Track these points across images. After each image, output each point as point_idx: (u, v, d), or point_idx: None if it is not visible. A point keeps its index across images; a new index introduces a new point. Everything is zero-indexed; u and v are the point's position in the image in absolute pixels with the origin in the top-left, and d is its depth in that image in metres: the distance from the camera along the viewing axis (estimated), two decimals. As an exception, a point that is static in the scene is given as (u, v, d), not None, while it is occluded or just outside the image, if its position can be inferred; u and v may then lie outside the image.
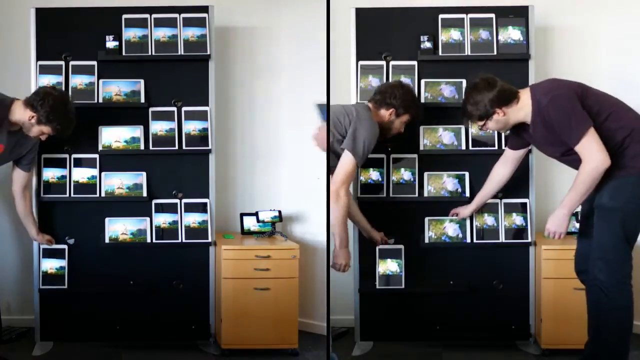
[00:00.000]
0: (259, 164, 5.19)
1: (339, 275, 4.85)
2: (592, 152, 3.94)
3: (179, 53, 4.77)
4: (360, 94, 4.76)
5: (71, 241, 4.77)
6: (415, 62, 4.76)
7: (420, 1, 4.87)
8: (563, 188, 5.08)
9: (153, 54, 4.77)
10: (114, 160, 4.79)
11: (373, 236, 4.69)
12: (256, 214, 4.96)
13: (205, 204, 4.79)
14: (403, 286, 4.76)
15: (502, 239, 4.74)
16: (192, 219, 4.79)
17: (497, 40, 4.74)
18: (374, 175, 4.77)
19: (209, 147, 4.77)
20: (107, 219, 4.75)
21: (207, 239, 4.77)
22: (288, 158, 5.16)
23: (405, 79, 4.74)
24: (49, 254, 4.75)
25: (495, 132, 4.73)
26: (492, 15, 4.75)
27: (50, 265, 4.74)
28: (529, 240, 4.73)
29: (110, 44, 4.75)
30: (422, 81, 4.76)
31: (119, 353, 4.75)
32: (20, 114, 4.34)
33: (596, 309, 4.03)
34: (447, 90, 4.75)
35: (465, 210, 4.68)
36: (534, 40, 4.73)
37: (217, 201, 4.86)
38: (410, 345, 4.86)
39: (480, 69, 4.72)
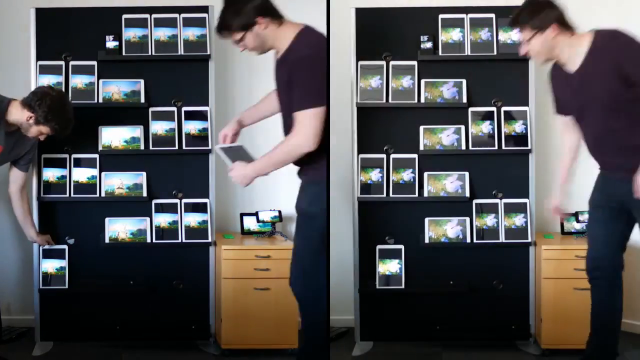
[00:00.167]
0: (259, 164, 5.19)
1: (339, 275, 4.86)
2: (307, 127, 3.55)
3: (179, 53, 4.77)
4: (360, 94, 4.76)
5: (71, 241, 4.77)
6: (415, 62, 4.77)
7: (420, 1, 4.87)
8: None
9: (153, 54, 4.77)
10: (114, 160, 4.79)
11: None
12: (256, 214, 4.96)
13: (205, 204, 4.79)
14: (403, 286, 4.76)
15: (502, 239, 4.74)
16: (192, 219, 4.79)
17: (497, 40, 4.74)
18: (373, 175, 4.77)
19: (209, 147, 4.77)
20: (107, 219, 4.75)
21: (207, 239, 4.77)
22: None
23: (404, 79, 4.75)
24: (49, 254, 4.74)
25: (496, 132, 4.72)
26: (492, 15, 4.75)
27: (50, 265, 4.74)
28: (529, 240, 4.73)
29: (110, 44, 4.75)
30: (422, 81, 4.76)
31: (119, 353, 4.76)
32: (18, 114, 4.34)
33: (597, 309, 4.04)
34: (447, 90, 4.75)
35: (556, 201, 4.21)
36: (534, 40, 4.72)
37: (217, 201, 4.86)
38: (410, 345, 4.87)
39: (480, 69, 4.75)
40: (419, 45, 4.76)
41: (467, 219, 4.76)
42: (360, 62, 4.77)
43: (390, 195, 4.76)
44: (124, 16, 4.77)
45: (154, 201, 4.79)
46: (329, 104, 4.73)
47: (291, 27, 3.79)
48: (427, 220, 4.76)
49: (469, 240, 4.75)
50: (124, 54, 4.76)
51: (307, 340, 3.92)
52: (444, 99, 4.75)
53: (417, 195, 4.76)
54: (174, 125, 4.78)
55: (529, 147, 4.72)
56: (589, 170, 5.12)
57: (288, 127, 3.72)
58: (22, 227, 4.70)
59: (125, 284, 4.79)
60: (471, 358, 4.72)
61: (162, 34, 4.78)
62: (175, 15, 4.78)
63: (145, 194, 4.76)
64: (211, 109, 4.80)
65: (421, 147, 4.76)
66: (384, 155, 4.78)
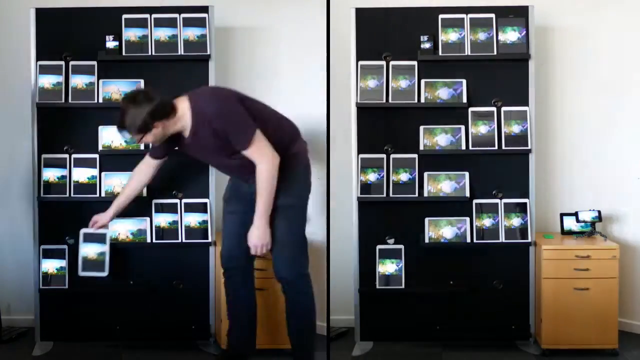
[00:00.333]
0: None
1: (339, 275, 4.86)
2: (262, 152, 4.07)
3: (179, 53, 4.77)
4: (360, 94, 4.76)
5: (71, 241, 4.77)
6: (415, 62, 4.77)
7: (420, 1, 4.87)
8: (563, 188, 5.11)
9: (153, 54, 4.77)
10: (114, 160, 4.78)
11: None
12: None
13: (205, 204, 4.79)
14: (403, 286, 4.76)
15: (502, 239, 4.74)
16: (192, 219, 4.79)
17: (497, 40, 4.74)
18: (373, 175, 4.77)
19: (209, 147, 4.77)
20: (107, 219, 4.75)
21: (207, 239, 4.77)
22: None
23: (404, 79, 4.75)
24: (49, 254, 4.74)
25: (496, 132, 4.73)
26: (492, 15, 4.75)
27: (51, 265, 4.74)
28: (529, 240, 4.73)
29: (110, 44, 4.75)
30: (422, 81, 4.76)
31: (119, 353, 4.76)
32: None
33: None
34: (447, 90, 4.75)
35: (104, 217, 4.52)
36: (534, 40, 4.73)
37: (218, 201, 4.85)
38: (410, 345, 4.87)
39: (480, 69, 4.75)
40: (419, 45, 4.76)
41: (467, 219, 4.75)
42: (360, 62, 4.77)
43: (390, 195, 4.76)
44: (124, 16, 4.77)
45: (154, 201, 4.79)
46: (329, 104, 4.75)
47: (182, 106, 4.10)
48: (427, 220, 4.76)
49: (469, 240, 4.75)
50: (124, 54, 4.76)
51: (300, 329, 4.29)
52: (444, 99, 4.75)
53: (417, 195, 4.76)
54: (174, 125, 4.77)
55: (529, 147, 4.72)
56: (589, 170, 5.14)
57: (224, 168, 4.34)
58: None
59: (125, 284, 4.79)
60: (471, 358, 4.72)
61: (162, 34, 4.78)
62: (175, 15, 4.78)
63: (145, 194, 4.76)
64: (211, 109, 4.79)
65: (421, 147, 4.76)
66: (384, 155, 4.78)
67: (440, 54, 4.76)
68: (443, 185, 4.75)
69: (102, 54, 4.76)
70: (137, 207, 4.75)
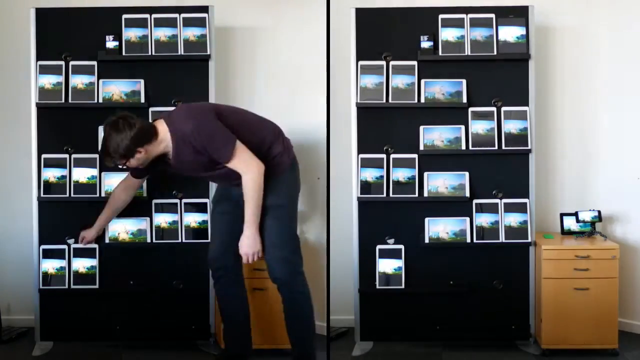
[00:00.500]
0: (259, 164, 5.18)
1: (339, 275, 4.86)
2: (246, 163, 4.11)
3: (179, 53, 4.77)
4: (360, 94, 4.76)
5: (71, 241, 4.77)
6: (415, 62, 4.77)
7: (420, 1, 4.87)
8: (563, 188, 5.12)
9: (153, 54, 4.77)
10: (114, 160, 4.78)
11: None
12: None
13: (205, 203, 4.78)
14: (403, 286, 4.76)
15: (502, 239, 4.74)
16: (192, 219, 4.79)
17: (497, 40, 4.74)
18: (373, 175, 4.77)
19: (209, 147, 4.77)
20: (107, 219, 4.76)
21: (207, 239, 4.76)
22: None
23: (404, 79, 4.75)
24: (49, 254, 4.74)
25: (496, 132, 4.73)
26: (492, 15, 4.75)
27: (50, 265, 4.74)
28: (529, 240, 4.73)
29: (110, 44, 4.75)
30: (422, 81, 4.76)
31: (119, 353, 4.76)
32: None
33: None
34: (447, 90, 4.75)
35: (90, 233, 4.63)
36: (534, 40, 4.73)
37: (217, 201, 4.86)
38: (410, 345, 4.87)
39: (480, 69, 4.75)
40: (419, 45, 4.76)
41: (467, 219, 4.76)
42: (360, 62, 4.77)
43: (390, 195, 4.76)
44: (124, 16, 4.77)
45: (154, 201, 4.79)
46: (329, 104, 4.75)
47: (161, 129, 4.15)
48: (427, 220, 4.76)
49: (469, 240, 4.75)
50: (124, 54, 4.76)
51: (300, 325, 4.32)
52: (444, 99, 4.75)
53: (417, 195, 4.76)
54: (174, 125, 4.77)
55: (529, 147, 4.72)
56: (589, 170, 5.14)
57: (213, 178, 4.40)
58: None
59: (125, 284, 4.79)
60: (471, 358, 4.72)
61: (162, 34, 4.78)
62: (175, 15, 4.78)
63: (145, 194, 4.76)
64: (211, 109, 4.79)
65: (421, 147, 4.76)
66: (384, 155, 4.78)
67: (440, 53, 4.76)
68: (446, 182, 4.74)
69: (102, 54, 4.76)
70: (137, 207, 4.76)
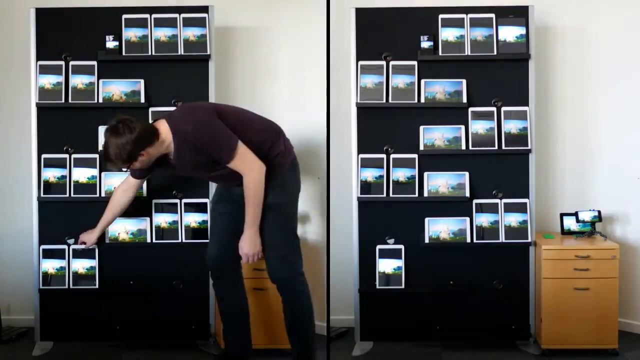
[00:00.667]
0: (259, 164, 5.18)
1: (339, 275, 4.86)
2: (247, 163, 4.09)
3: (179, 53, 4.77)
4: (360, 94, 4.76)
5: (71, 241, 4.77)
6: (415, 62, 4.77)
7: (420, 1, 4.88)
8: (563, 188, 5.12)
9: (153, 54, 4.77)
10: (114, 160, 4.78)
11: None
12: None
13: (205, 203, 4.78)
14: (403, 286, 4.76)
15: (502, 239, 4.74)
16: (192, 219, 4.79)
17: (497, 40, 4.74)
18: (373, 175, 4.77)
19: (209, 147, 4.77)
20: (107, 219, 4.76)
21: (207, 239, 4.77)
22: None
23: (404, 79, 4.75)
24: (49, 254, 4.75)
25: (496, 132, 4.73)
26: (492, 15, 4.75)
27: (50, 265, 4.74)
28: (529, 240, 4.73)
29: (110, 44, 4.75)
30: (422, 81, 4.76)
31: (119, 353, 4.76)
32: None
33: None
34: (447, 90, 4.75)
35: (91, 236, 4.64)
36: (534, 40, 4.73)
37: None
38: (410, 345, 4.87)
39: (480, 69, 4.75)
40: (419, 45, 4.76)
41: (467, 219, 4.76)
42: (360, 62, 4.77)
43: (390, 195, 4.76)
44: (124, 16, 4.77)
45: (154, 201, 4.79)
46: (329, 104, 4.75)
47: (163, 129, 4.12)
48: (427, 220, 4.76)
49: (469, 240, 4.75)
50: (124, 54, 4.76)
51: (300, 328, 4.33)
52: (444, 99, 4.75)
53: (417, 195, 4.76)
54: (174, 125, 4.78)
55: (529, 147, 4.72)
56: (589, 170, 5.14)
57: (215, 179, 4.36)
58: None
59: (125, 284, 4.79)
60: (471, 358, 4.72)
61: (162, 34, 4.78)
62: (175, 15, 4.78)
63: (146, 194, 4.76)
64: (211, 109, 4.79)
65: (421, 147, 4.76)
66: (384, 155, 4.78)
67: (440, 53, 4.76)
68: (446, 182, 4.74)
69: (102, 54, 4.76)
70: (137, 207, 4.76)
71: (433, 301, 4.79)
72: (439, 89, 4.76)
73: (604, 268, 4.62)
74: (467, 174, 4.76)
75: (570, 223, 4.92)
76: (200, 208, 4.79)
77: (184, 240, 4.78)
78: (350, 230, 4.80)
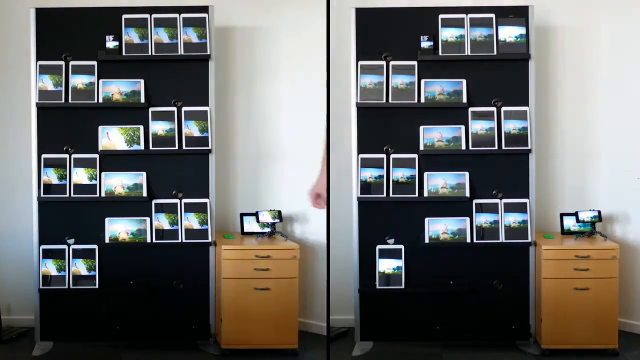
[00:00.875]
0: (259, 164, 5.19)
1: (339, 275, 4.86)
2: None
3: (179, 53, 4.77)
4: (360, 94, 4.76)
5: (71, 241, 4.77)
6: (415, 62, 4.77)
7: (420, 1, 4.87)
8: (563, 188, 5.12)
9: (153, 54, 4.77)
10: (114, 160, 4.78)
11: None
12: (256, 214, 4.96)
13: (205, 203, 4.79)
14: (403, 286, 4.76)
15: (502, 239, 4.74)
16: (193, 219, 4.79)
17: (497, 40, 4.74)
18: (373, 175, 4.77)
19: (209, 147, 4.78)
20: (107, 219, 4.76)
21: (207, 239, 4.77)
22: (288, 158, 5.15)
23: (404, 79, 4.75)
24: (49, 254, 4.74)
25: (496, 132, 4.73)
26: (492, 15, 4.75)
27: (51, 265, 4.74)
28: (529, 240, 4.73)
29: (110, 44, 4.75)
30: (422, 81, 4.76)
31: (119, 353, 4.76)
32: None
33: None
34: (447, 90, 4.75)
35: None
36: (534, 40, 4.73)
37: (217, 201, 4.86)
38: (410, 345, 4.86)
39: (480, 69, 4.75)
40: (419, 45, 4.76)
41: (467, 219, 4.76)
42: (360, 62, 4.77)
43: (390, 195, 4.76)
44: (124, 16, 4.77)
45: (154, 201, 4.79)
46: (329, 104, 4.75)
47: None
48: (427, 220, 4.76)
49: (469, 240, 4.75)
50: (124, 54, 4.76)
51: None
52: (444, 99, 4.75)
53: (417, 195, 4.76)
54: (173, 125, 4.78)
55: (529, 147, 4.72)
56: (589, 170, 5.14)
57: None
58: None
59: (125, 284, 4.79)
60: (471, 358, 4.72)
61: (162, 34, 4.77)
62: (175, 15, 4.78)
63: (145, 194, 4.77)
64: (211, 109, 4.80)
65: (421, 147, 4.76)
66: (384, 155, 4.78)
67: (440, 53, 4.76)
68: (446, 182, 4.74)
69: (102, 54, 4.76)
70: (137, 207, 4.76)
71: (433, 301, 4.79)
72: (438, 89, 4.76)
73: (604, 268, 4.62)
74: (467, 174, 4.76)
75: (570, 223, 4.92)
76: (200, 208, 4.79)
77: (184, 240, 4.78)
78: (350, 230, 4.80)
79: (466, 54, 4.75)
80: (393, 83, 4.77)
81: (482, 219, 4.75)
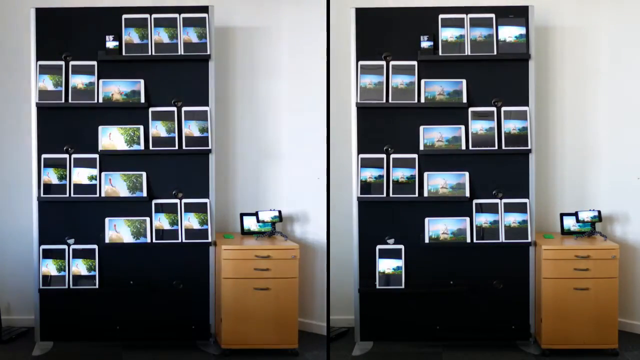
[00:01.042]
0: (259, 164, 5.19)
1: (339, 275, 4.86)
2: None
3: (179, 53, 4.77)
4: (360, 94, 4.76)
5: (71, 241, 4.77)
6: (415, 62, 4.77)
7: (420, 1, 4.88)
8: (563, 188, 5.12)
9: (153, 54, 4.77)
10: (114, 160, 4.78)
11: None
12: (256, 214, 4.96)
13: (205, 204, 4.79)
14: (403, 286, 4.76)
15: (502, 239, 4.74)
16: (193, 219, 4.79)
17: (497, 40, 4.74)
18: (373, 175, 4.77)
19: (209, 147, 4.78)
20: (107, 219, 4.76)
21: (207, 239, 4.77)
22: (288, 158, 5.16)
23: (404, 79, 4.75)
24: (49, 254, 4.75)
25: (495, 132, 4.73)
26: (492, 15, 4.75)
27: (51, 265, 4.74)
28: (529, 240, 4.73)
29: (110, 44, 4.75)
30: (422, 81, 4.76)
31: (119, 353, 4.76)
32: None
33: None
34: (447, 90, 4.75)
35: None
36: (534, 40, 4.73)
37: (217, 201, 4.86)
38: (410, 345, 4.87)
39: (480, 69, 4.75)
40: (419, 45, 4.76)
41: (467, 219, 4.76)
42: (360, 62, 4.77)
43: (391, 195, 4.76)
44: (124, 16, 4.77)
45: (154, 201, 4.79)
46: (329, 104, 4.75)
47: None
48: (427, 220, 4.76)
49: (469, 240, 4.75)
50: (124, 54, 4.77)
51: None
52: (444, 99, 4.75)
53: (417, 195, 4.76)
54: (173, 125, 4.78)
55: (529, 147, 4.72)
56: (589, 170, 5.14)
57: None
58: None
59: (125, 284, 4.79)
60: (471, 358, 4.72)
61: (162, 34, 4.77)
62: (175, 15, 4.78)
63: (145, 194, 4.77)
64: (211, 109, 4.80)
65: (421, 147, 4.76)
66: (384, 155, 4.78)
67: (440, 53, 4.76)
68: (446, 182, 4.75)
69: (102, 54, 4.76)
70: (137, 207, 4.76)
71: (433, 301, 4.79)
72: (438, 89, 4.76)
73: (604, 268, 4.62)
74: (467, 174, 4.76)
75: (570, 223, 4.92)
76: (200, 208, 4.79)
77: (184, 240, 4.78)
78: (350, 230, 4.80)
79: (466, 54, 4.75)
80: (393, 83, 4.77)
81: (482, 219, 4.75)
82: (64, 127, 4.77)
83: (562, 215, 4.94)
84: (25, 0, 4.87)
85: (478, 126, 4.75)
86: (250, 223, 5.04)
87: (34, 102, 4.74)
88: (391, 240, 4.79)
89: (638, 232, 5.04)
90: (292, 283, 4.70)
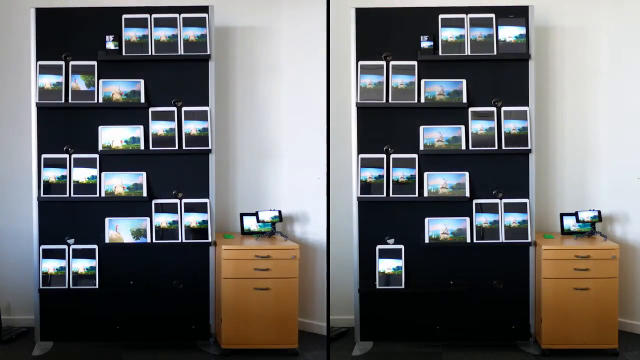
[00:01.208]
0: (259, 164, 5.19)
1: (339, 275, 4.87)
2: None
3: (179, 53, 4.77)
4: (360, 94, 4.76)
5: (71, 241, 4.77)
6: (415, 62, 4.77)
7: (420, 1, 4.88)
8: (563, 188, 5.12)
9: (153, 54, 4.77)
10: (114, 160, 4.79)
11: None
12: (256, 214, 4.96)
13: (205, 204, 4.79)
14: (403, 286, 4.76)
15: (502, 239, 4.74)
16: (192, 219, 4.79)
17: (497, 40, 4.74)
18: (373, 175, 4.77)
19: (209, 147, 4.78)
20: (107, 219, 4.76)
21: (207, 239, 4.77)
22: (288, 158, 5.16)
23: (404, 79, 4.75)
24: (49, 254, 4.75)
25: (495, 132, 4.73)
26: (492, 15, 4.75)
27: (51, 265, 4.74)
28: (529, 240, 4.73)
29: (110, 44, 4.75)
30: (422, 81, 4.76)
31: (119, 353, 4.76)
32: None
33: None
34: (447, 90, 4.75)
35: None
36: (534, 40, 4.73)
37: (217, 201, 4.86)
38: (410, 345, 4.87)
39: (480, 69, 4.75)
40: (419, 45, 4.76)
41: (467, 219, 4.76)
42: (360, 62, 4.77)
43: (390, 195, 4.76)
44: (124, 16, 4.77)
45: (154, 201, 4.79)
46: (329, 104, 4.75)
47: None
48: (427, 220, 4.76)
49: (468, 240, 4.75)
50: (124, 54, 4.77)
51: None
52: (444, 99, 4.76)
53: (417, 195, 4.76)
54: (174, 125, 4.78)
55: (529, 147, 4.72)
56: (589, 170, 5.14)
57: None
58: None
59: (125, 284, 4.79)
60: (471, 358, 4.72)
61: (162, 34, 4.78)
62: (175, 15, 4.78)
63: (145, 194, 4.77)
64: (211, 109, 4.80)
65: (421, 147, 4.76)
66: (384, 155, 4.78)
67: (440, 53, 4.76)
68: (446, 182, 4.75)
69: (102, 54, 4.76)
70: (137, 207, 4.76)
71: (433, 301, 4.79)
72: (438, 89, 4.76)
73: (604, 268, 4.62)
74: (467, 174, 4.76)
75: (570, 223, 4.92)
76: (200, 208, 4.79)
77: (184, 240, 4.78)
78: (350, 230, 4.80)
79: (466, 54, 4.75)
80: (393, 83, 4.77)
81: (482, 219, 4.75)
82: (64, 127, 4.77)
83: (562, 215, 4.94)
84: (25, 0, 4.87)
85: (478, 126, 4.75)
86: (250, 223, 5.04)
87: (34, 102, 4.74)
88: (391, 240, 4.79)
89: (638, 232, 5.04)
90: (292, 283, 4.71)
